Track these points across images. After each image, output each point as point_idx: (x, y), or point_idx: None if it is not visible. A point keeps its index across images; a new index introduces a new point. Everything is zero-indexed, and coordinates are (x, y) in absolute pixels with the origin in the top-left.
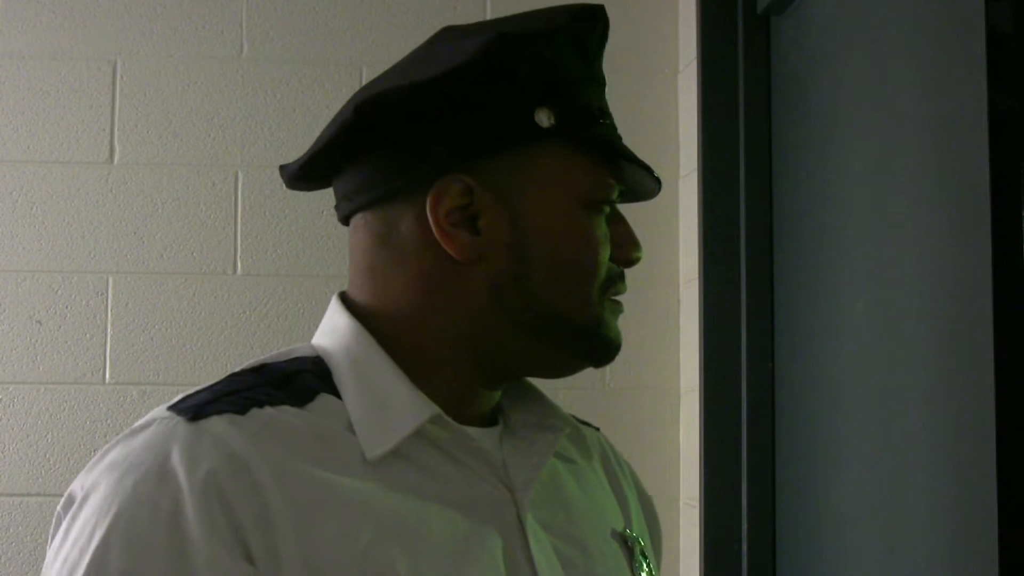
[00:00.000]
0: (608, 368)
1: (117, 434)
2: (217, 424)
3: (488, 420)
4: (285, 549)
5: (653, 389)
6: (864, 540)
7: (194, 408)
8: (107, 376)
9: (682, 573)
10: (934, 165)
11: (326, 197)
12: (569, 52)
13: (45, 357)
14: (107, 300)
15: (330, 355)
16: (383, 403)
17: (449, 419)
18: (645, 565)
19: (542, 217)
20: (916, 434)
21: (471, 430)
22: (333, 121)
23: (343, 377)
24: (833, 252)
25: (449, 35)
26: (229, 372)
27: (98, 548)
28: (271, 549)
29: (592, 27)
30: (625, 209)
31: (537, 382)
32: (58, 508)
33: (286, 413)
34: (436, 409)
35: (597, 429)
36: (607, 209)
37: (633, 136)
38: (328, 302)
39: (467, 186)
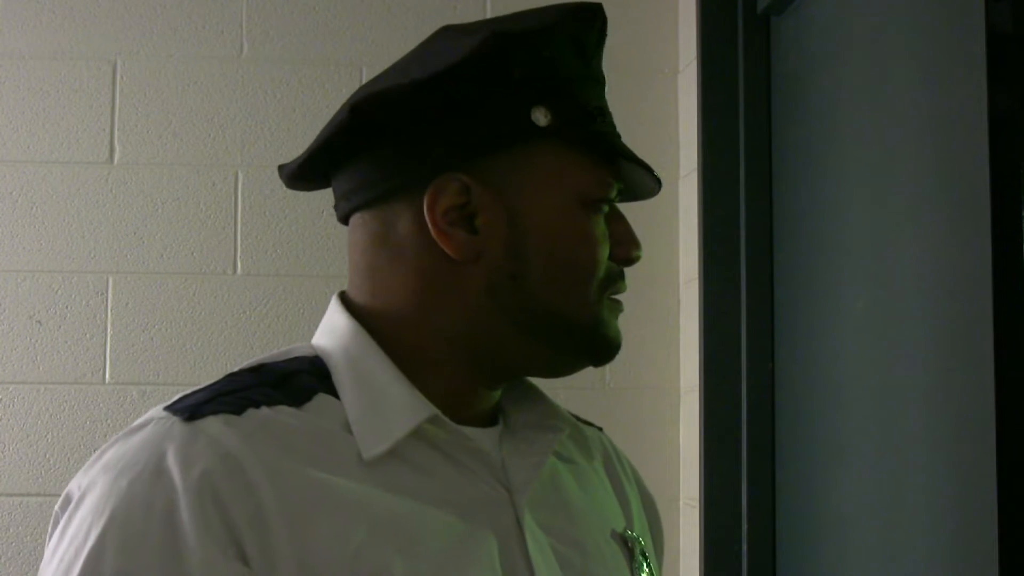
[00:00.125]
0: (608, 368)
1: (117, 434)
2: (213, 424)
3: (488, 420)
4: (279, 549)
5: (653, 389)
6: (864, 540)
7: (190, 408)
8: (107, 376)
9: (682, 573)
10: (934, 165)
11: (326, 197)
12: (567, 50)
13: (45, 357)
14: (107, 300)
15: (329, 355)
16: (381, 403)
17: (447, 419)
18: (645, 565)
19: (540, 216)
20: (916, 434)
21: (470, 430)
22: (331, 120)
23: (341, 377)
24: (833, 252)
25: (447, 34)
26: (229, 372)
27: (93, 548)
28: (265, 549)
29: (590, 25)
30: (625, 209)
31: (537, 382)
32: (55, 507)
33: (283, 413)
34: (434, 409)
35: (600, 429)
36: (606, 208)
37: (633, 136)
38: (328, 302)
39: (464, 185)
